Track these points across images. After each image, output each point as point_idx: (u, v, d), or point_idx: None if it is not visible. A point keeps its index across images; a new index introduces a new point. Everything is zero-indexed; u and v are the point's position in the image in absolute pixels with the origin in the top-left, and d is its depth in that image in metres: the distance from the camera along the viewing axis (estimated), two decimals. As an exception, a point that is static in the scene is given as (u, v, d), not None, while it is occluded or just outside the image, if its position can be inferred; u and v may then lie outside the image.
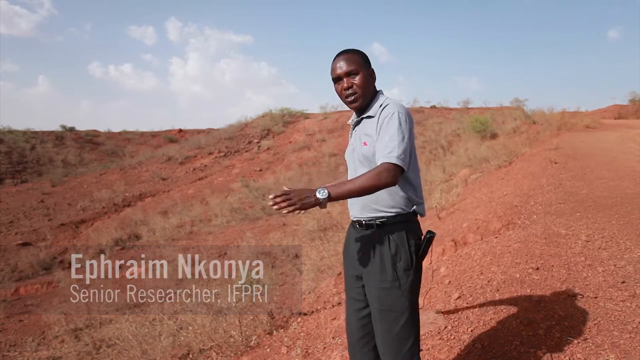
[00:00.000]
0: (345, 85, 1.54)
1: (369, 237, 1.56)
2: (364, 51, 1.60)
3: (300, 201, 1.31)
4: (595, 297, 2.37)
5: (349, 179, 1.63)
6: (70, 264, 11.05)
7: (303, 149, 19.95)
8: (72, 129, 32.03)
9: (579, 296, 2.40)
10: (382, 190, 1.50)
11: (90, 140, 31.71)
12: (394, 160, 1.39)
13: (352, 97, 1.55)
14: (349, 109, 1.66)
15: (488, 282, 2.83)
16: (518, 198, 5.10)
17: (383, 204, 1.54)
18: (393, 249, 1.51)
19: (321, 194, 1.33)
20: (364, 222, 1.57)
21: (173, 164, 22.04)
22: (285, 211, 1.31)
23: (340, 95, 1.59)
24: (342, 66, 1.53)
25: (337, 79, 1.57)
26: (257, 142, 22.37)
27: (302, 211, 1.33)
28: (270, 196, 1.33)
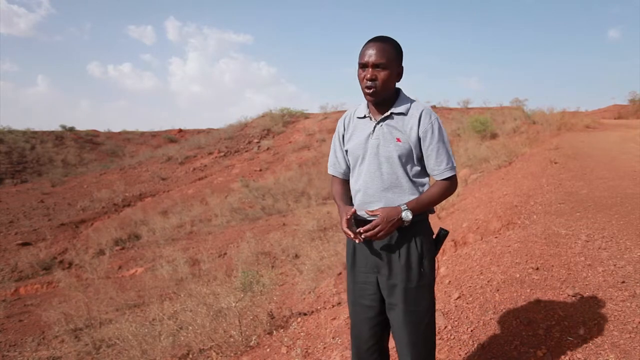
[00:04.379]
0: (369, 75, 1.47)
1: (390, 237, 1.52)
2: (399, 44, 1.51)
3: (388, 229, 1.45)
4: (595, 297, 2.37)
5: (363, 173, 1.57)
6: (70, 264, 11.06)
7: (303, 149, 19.95)
8: (72, 129, 32.07)
9: (579, 296, 2.40)
10: (406, 188, 1.53)
11: (90, 140, 31.73)
12: (455, 171, 1.54)
13: (371, 90, 1.48)
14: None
15: (488, 282, 2.83)
16: (518, 198, 5.10)
17: (406, 201, 1.52)
18: (419, 247, 1.50)
19: (406, 216, 1.45)
20: None
21: (173, 164, 22.03)
22: (378, 240, 1.48)
23: (360, 81, 1.52)
24: (372, 55, 1.45)
25: (363, 65, 1.49)
26: (257, 142, 22.37)
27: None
28: (361, 231, 1.46)
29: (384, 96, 1.51)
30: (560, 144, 9.41)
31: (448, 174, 1.52)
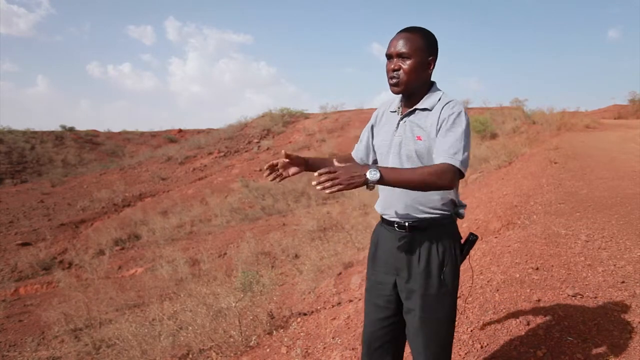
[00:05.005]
0: (393, 66, 1.41)
1: (412, 240, 1.46)
2: (432, 33, 1.43)
3: (347, 180, 1.20)
4: (595, 297, 2.37)
5: None
6: (70, 264, 11.05)
7: (303, 149, 19.94)
8: (71, 129, 32.07)
9: (579, 296, 2.40)
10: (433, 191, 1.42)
11: (90, 140, 31.73)
12: (458, 164, 1.30)
13: (394, 81, 1.42)
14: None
15: (488, 282, 2.83)
16: (518, 198, 5.10)
17: (431, 205, 1.44)
18: (440, 254, 1.43)
19: (372, 175, 1.21)
20: (407, 224, 1.46)
21: (173, 164, 22.03)
22: (328, 191, 1.19)
23: (386, 73, 1.46)
24: (397, 45, 1.39)
25: (388, 57, 1.43)
26: (257, 142, 22.36)
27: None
28: (315, 174, 1.22)
29: (411, 89, 1.43)
30: (560, 144, 9.41)
31: (448, 161, 1.30)
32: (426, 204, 1.44)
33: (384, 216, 1.56)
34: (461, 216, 1.52)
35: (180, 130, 35.08)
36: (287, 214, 11.39)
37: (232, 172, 18.91)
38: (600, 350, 1.91)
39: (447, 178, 1.28)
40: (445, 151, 1.32)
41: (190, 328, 3.86)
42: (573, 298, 2.39)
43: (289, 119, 24.91)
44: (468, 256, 1.54)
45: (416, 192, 1.41)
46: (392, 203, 1.50)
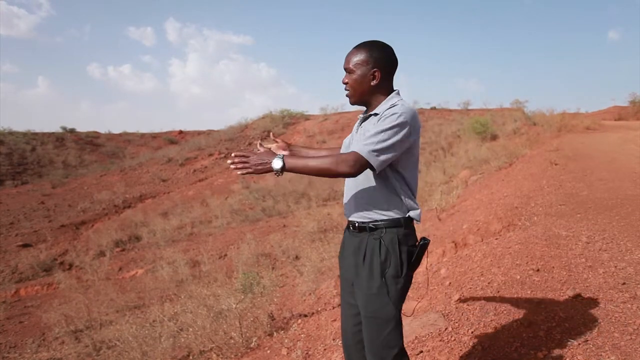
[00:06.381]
0: (343, 80, 1.56)
1: (360, 240, 1.52)
2: (381, 46, 1.51)
3: (255, 166, 1.38)
4: (596, 299, 2.37)
5: None
6: (70, 265, 11.06)
7: (303, 151, 19.93)
8: (72, 131, 32.13)
9: (580, 298, 2.40)
10: (378, 192, 1.48)
11: (91, 141, 31.80)
12: (364, 154, 1.35)
13: (346, 93, 1.57)
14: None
15: (488, 283, 2.83)
16: (518, 199, 5.10)
17: (377, 206, 1.49)
18: (383, 255, 1.45)
19: (276, 163, 1.37)
20: (356, 224, 1.54)
21: (173, 165, 22.06)
22: (239, 172, 1.38)
23: None
24: (345, 61, 1.54)
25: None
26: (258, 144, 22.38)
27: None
28: (232, 154, 1.40)
29: (360, 100, 1.56)
30: (561, 146, 9.42)
31: (355, 149, 1.38)
32: (374, 206, 1.50)
33: (345, 217, 1.65)
34: (417, 220, 1.54)
35: (180, 132, 35.13)
36: (287, 216, 11.39)
37: (233, 173, 18.91)
38: (601, 352, 1.91)
39: (346, 165, 1.35)
40: (357, 141, 1.44)
41: (191, 329, 3.86)
42: (574, 299, 2.39)
43: (290, 120, 24.95)
44: (425, 260, 1.57)
45: (360, 191, 1.51)
46: (348, 204, 1.59)
